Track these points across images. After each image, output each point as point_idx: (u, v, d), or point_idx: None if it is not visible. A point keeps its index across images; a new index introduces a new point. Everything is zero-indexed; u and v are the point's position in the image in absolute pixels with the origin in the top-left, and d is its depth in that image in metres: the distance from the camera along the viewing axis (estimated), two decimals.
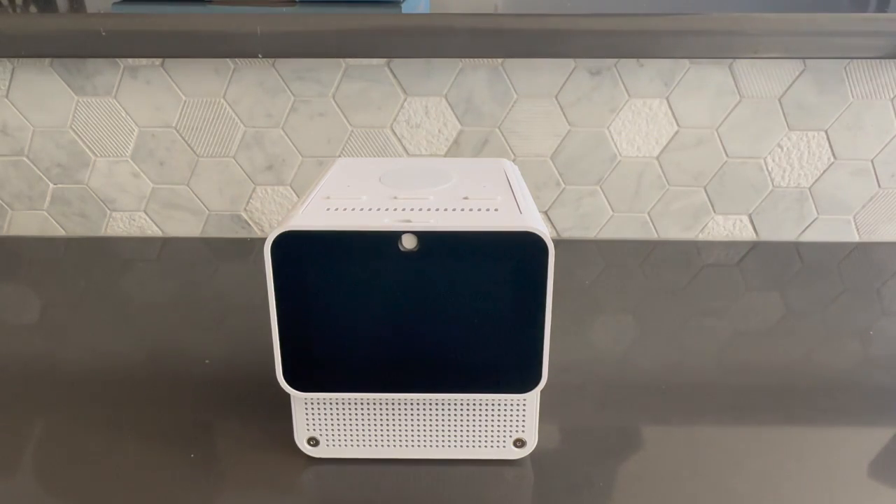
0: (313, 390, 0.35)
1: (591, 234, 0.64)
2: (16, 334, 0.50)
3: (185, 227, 0.64)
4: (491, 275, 0.32)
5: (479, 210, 0.33)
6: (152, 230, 0.64)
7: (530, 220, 0.31)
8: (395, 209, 0.33)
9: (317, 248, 0.31)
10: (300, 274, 0.32)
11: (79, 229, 0.64)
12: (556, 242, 0.62)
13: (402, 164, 0.41)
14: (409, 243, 0.31)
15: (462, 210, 0.33)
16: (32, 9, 0.56)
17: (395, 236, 0.31)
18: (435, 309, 0.33)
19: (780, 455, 0.38)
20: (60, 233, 0.64)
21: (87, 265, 0.59)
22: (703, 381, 0.44)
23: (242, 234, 0.64)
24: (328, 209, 0.33)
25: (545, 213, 0.62)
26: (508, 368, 0.34)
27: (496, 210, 0.33)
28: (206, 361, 0.45)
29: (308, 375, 0.35)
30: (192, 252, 0.62)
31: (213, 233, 0.64)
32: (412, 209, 0.33)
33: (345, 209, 0.33)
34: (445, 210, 0.33)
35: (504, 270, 0.31)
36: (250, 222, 0.63)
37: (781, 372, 0.45)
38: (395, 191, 0.36)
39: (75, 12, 0.56)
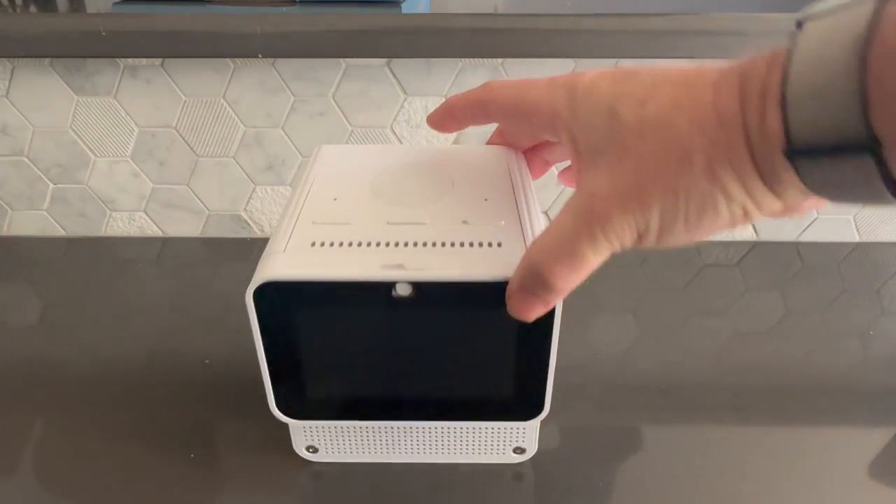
0: (309, 419, 0.35)
1: None
2: (16, 334, 0.50)
3: (185, 227, 0.64)
4: (493, 320, 0.30)
5: (481, 245, 0.29)
6: (152, 230, 0.64)
7: None
8: (388, 243, 0.29)
9: (303, 295, 0.29)
10: (287, 319, 0.30)
11: (79, 229, 0.64)
12: None
13: (395, 159, 0.37)
14: (403, 290, 0.28)
15: (462, 245, 0.29)
16: (32, 9, 0.56)
17: (387, 284, 0.28)
18: (433, 351, 0.31)
19: (780, 455, 0.38)
20: (60, 233, 0.64)
21: (87, 265, 0.59)
22: (703, 381, 0.44)
23: (242, 234, 0.64)
24: (313, 244, 0.29)
25: (545, 212, 0.62)
26: (510, 402, 0.33)
27: (499, 245, 0.29)
28: (206, 362, 0.45)
29: (302, 408, 0.34)
30: (192, 252, 0.62)
31: (213, 233, 0.64)
32: (406, 243, 0.29)
33: (332, 244, 0.29)
34: (443, 245, 0.29)
35: (508, 316, 0.28)
36: (250, 222, 0.63)
37: (781, 372, 0.45)
38: (387, 208, 0.32)
39: (75, 12, 0.56)
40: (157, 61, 0.55)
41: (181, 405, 0.41)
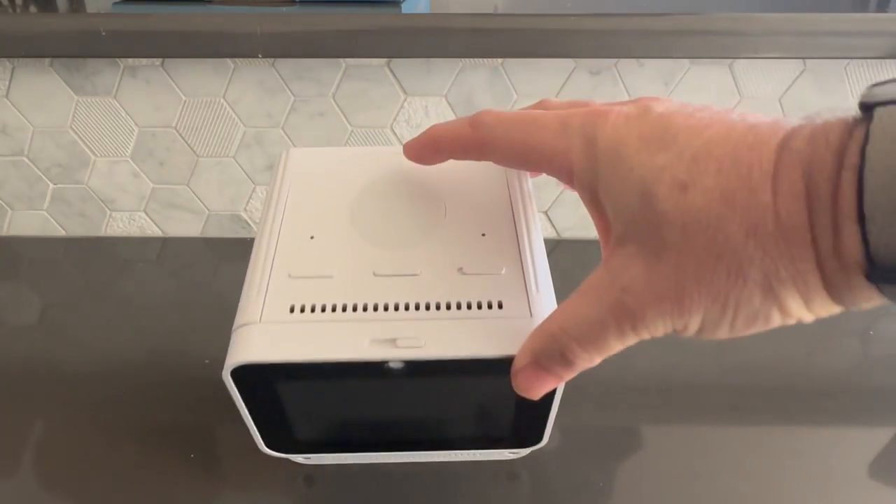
0: (300, 453, 0.34)
1: (591, 233, 0.64)
2: (16, 334, 0.50)
3: (185, 227, 0.64)
4: (492, 387, 0.28)
5: (480, 307, 0.27)
6: (152, 230, 0.64)
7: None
8: (377, 306, 0.26)
9: (284, 371, 0.26)
10: (270, 389, 0.28)
11: (79, 229, 0.64)
12: (556, 242, 0.62)
13: (376, 172, 0.33)
14: (395, 364, 0.26)
15: (459, 307, 0.26)
16: (32, 9, 0.56)
17: (378, 363, 0.26)
18: (427, 406, 0.30)
19: (780, 455, 0.38)
20: (60, 233, 0.64)
21: (87, 265, 0.59)
22: (702, 382, 0.44)
23: (242, 234, 0.64)
24: (292, 309, 0.26)
25: (545, 212, 0.62)
26: (508, 438, 0.32)
27: (500, 306, 0.27)
28: (206, 362, 0.45)
29: (293, 449, 0.33)
30: (192, 252, 0.62)
31: (213, 233, 0.64)
32: (397, 306, 0.26)
33: (313, 308, 0.26)
34: (438, 308, 0.26)
35: (509, 385, 0.26)
36: (250, 222, 0.63)
37: (781, 372, 0.45)
38: (372, 251, 0.29)
39: (75, 12, 0.56)
40: (157, 61, 0.55)
41: (181, 405, 0.41)
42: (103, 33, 0.51)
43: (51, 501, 0.36)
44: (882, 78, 0.54)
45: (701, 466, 0.37)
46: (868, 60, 0.53)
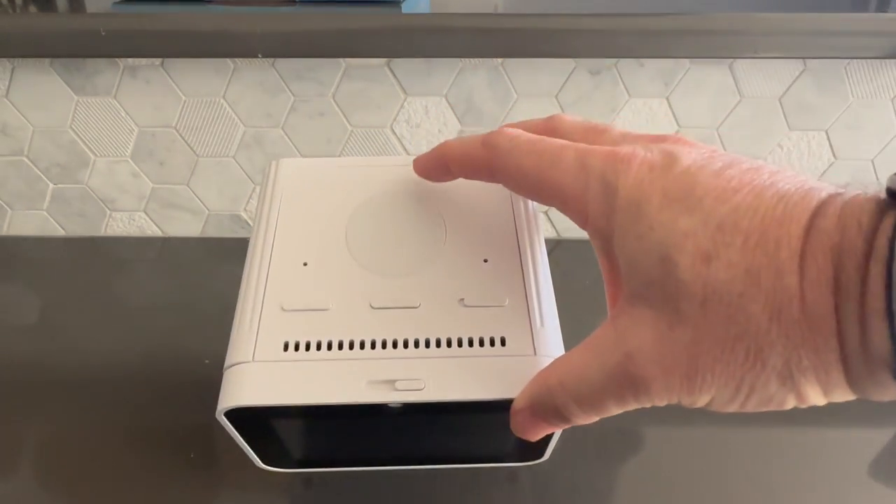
0: (300, 469, 0.34)
1: None
2: (15, 334, 0.50)
3: (185, 227, 0.64)
4: (494, 420, 0.27)
5: (482, 343, 0.26)
6: (152, 230, 0.64)
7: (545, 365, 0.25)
8: (374, 343, 0.25)
9: (280, 410, 0.26)
10: (266, 424, 0.27)
11: (78, 229, 0.64)
12: (556, 242, 0.62)
13: (372, 189, 0.31)
14: (394, 404, 0.25)
15: (460, 344, 0.26)
16: (32, 9, 0.56)
17: (377, 405, 0.25)
18: (428, 437, 0.30)
19: (780, 456, 0.38)
20: (60, 232, 0.64)
21: (86, 265, 0.59)
22: None
23: (242, 234, 0.64)
24: (286, 346, 0.25)
25: (545, 213, 0.62)
26: (510, 455, 0.32)
27: (503, 343, 0.26)
28: (206, 361, 0.45)
29: (290, 466, 0.32)
30: (191, 252, 0.62)
31: (212, 233, 0.64)
32: (395, 343, 0.25)
33: (307, 345, 0.25)
34: (438, 345, 0.25)
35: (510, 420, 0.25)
36: (250, 222, 0.63)
37: None
38: (369, 280, 0.27)
39: (75, 12, 0.56)
40: (157, 61, 0.55)
41: (181, 405, 0.41)
42: (103, 33, 0.51)
43: (50, 501, 0.36)
44: (882, 78, 0.54)
45: (700, 467, 0.37)
46: (868, 60, 0.53)
